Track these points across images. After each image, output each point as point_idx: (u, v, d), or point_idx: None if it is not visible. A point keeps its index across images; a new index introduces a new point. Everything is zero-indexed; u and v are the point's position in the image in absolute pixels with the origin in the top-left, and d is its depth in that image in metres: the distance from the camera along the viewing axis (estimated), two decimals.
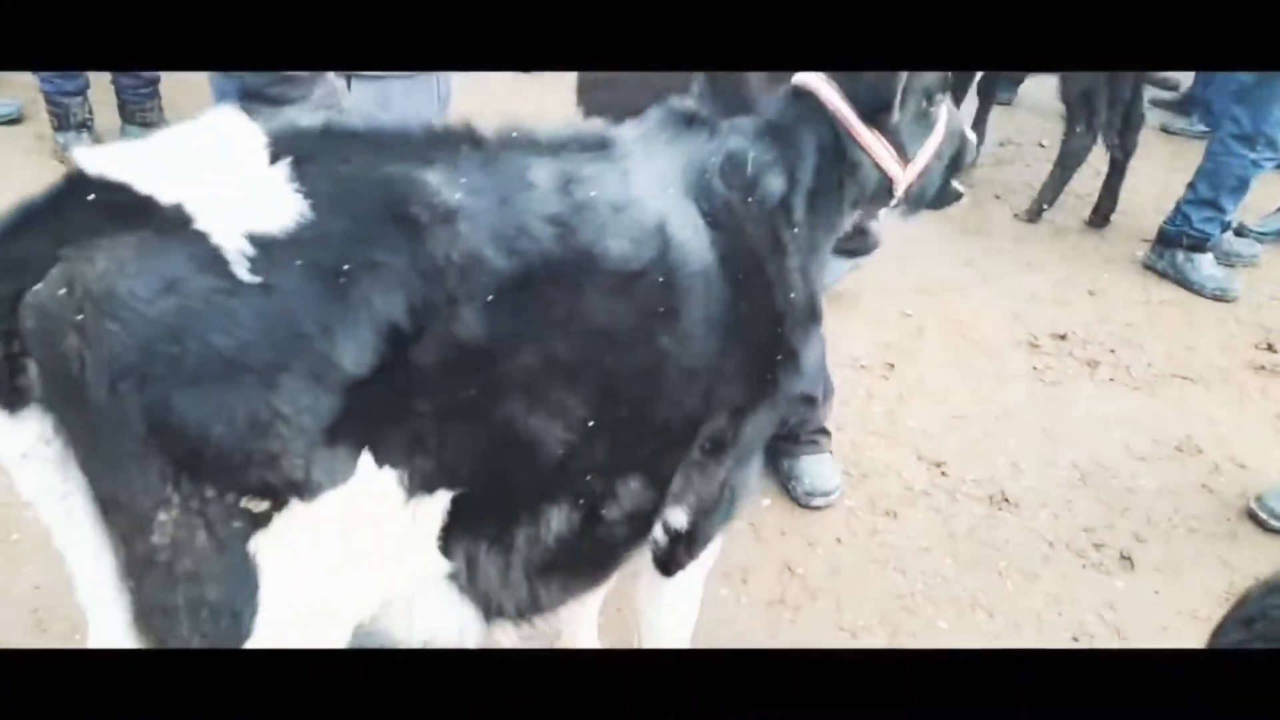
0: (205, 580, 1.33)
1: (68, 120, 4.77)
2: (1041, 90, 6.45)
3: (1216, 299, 4.88)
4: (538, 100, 5.77)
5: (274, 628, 1.40)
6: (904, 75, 1.97)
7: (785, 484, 3.39)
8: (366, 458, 1.37)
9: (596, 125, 1.76)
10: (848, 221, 2.23)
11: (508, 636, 1.75)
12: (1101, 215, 5.43)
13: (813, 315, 2.03)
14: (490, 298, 1.41)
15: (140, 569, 1.32)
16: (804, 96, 2.07)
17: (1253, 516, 3.48)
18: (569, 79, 3.09)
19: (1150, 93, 7.03)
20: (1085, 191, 5.65)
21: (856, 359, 4.18)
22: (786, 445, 3.36)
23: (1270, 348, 4.57)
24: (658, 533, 2.01)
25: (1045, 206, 5.41)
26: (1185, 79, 7.20)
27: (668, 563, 2.12)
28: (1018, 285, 4.86)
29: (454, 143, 1.50)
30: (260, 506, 1.32)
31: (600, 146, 1.70)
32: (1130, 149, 5.20)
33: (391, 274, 1.33)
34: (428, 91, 2.26)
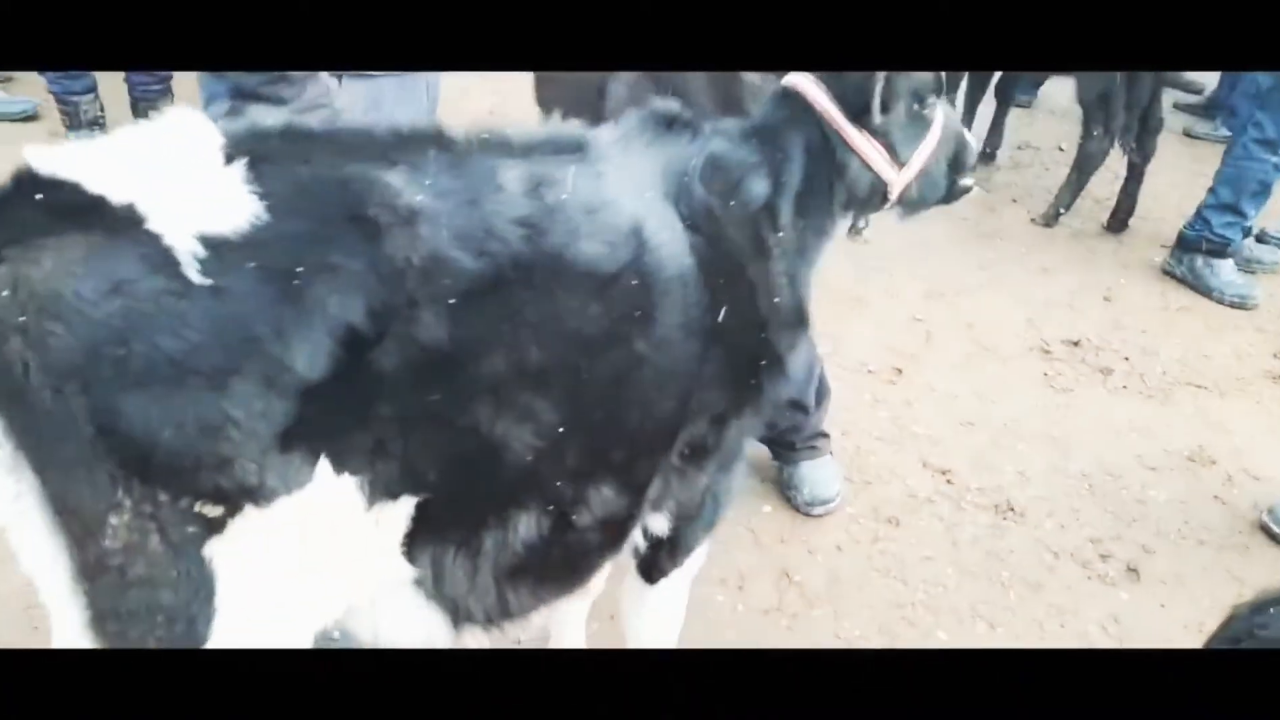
0: (159, 585, 1.32)
1: (78, 119, 4.81)
2: (1061, 93, 6.37)
3: (1236, 306, 4.80)
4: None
5: (230, 633, 1.38)
6: (882, 75, 1.93)
7: (785, 493, 3.35)
8: (324, 463, 1.35)
9: (572, 127, 1.73)
10: (840, 225, 2.20)
11: (478, 641, 1.72)
12: (1119, 220, 5.35)
13: (799, 320, 2.00)
14: (453, 301, 1.39)
15: (93, 572, 1.31)
16: (792, 98, 2.04)
17: (1265, 529, 3.41)
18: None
19: (1174, 96, 6.97)
20: (1104, 196, 5.59)
21: (863, 363, 4.13)
22: (784, 452, 3.32)
23: None
24: (638, 539, 1.99)
25: (1062, 211, 5.34)
26: (1210, 83, 7.09)
27: (651, 570, 2.10)
28: (1031, 290, 4.80)
29: (420, 145, 1.48)
30: (214, 511, 1.30)
31: (575, 149, 1.67)
32: (1148, 153, 5.12)
33: (349, 277, 1.31)
34: (417, 90, 2.25)
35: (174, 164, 1.28)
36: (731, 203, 1.84)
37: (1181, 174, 6.04)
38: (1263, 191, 4.75)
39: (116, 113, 5.09)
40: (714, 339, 1.79)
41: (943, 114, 2.17)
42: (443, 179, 1.45)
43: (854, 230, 2.28)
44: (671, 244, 1.70)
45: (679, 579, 2.14)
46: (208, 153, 1.30)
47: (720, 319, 1.79)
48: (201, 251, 1.22)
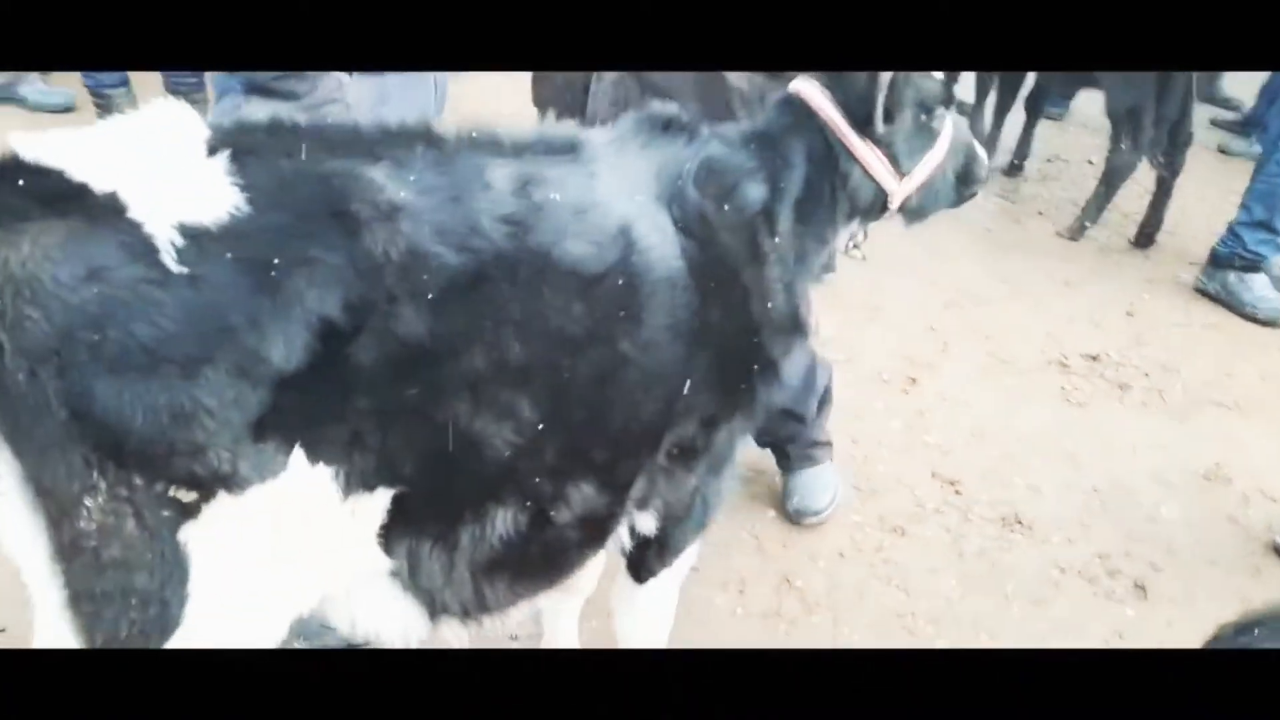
0: (134, 568, 1.34)
1: (111, 112, 4.87)
2: (1093, 106, 6.29)
3: (1269, 323, 4.72)
4: None
5: (205, 618, 1.40)
6: (885, 84, 1.93)
7: (781, 500, 3.33)
8: (299, 454, 1.37)
9: (565, 128, 1.74)
10: (842, 234, 2.19)
11: (456, 634, 1.74)
12: (1146, 235, 5.29)
13: (795, 326, 1.99)
14: (433, 296, 1.40)
15: (70, 553, 1.33)
16: (796, 105, 2.04)
17: (1278, 551, 3.36)
18: None
19: (1210, 113, 6.87)
20: (1133, 210, 5.52)
21: (878, 372, 4.11)
22: (780, 459, 3.30)
23: None
24: (625, 538, 1.99)
25: (1088, 224, 5.28)
26: (1247, 99, 6.99)
27: (640, 569, 2.11)
28: (1053, 303, 4.76)
29: (408, 142, 1.50)
30: (189, 497, 1.33)
31: (568, 149, 1.68)
32: (1177, 168, 5.06)
33: (327, 270, 1.32)
34: (425, 87, 2.27)
35: (158, 155, 1.30)
36: (726, 207, 1.84)
37: (1213, 190, 5.96)
38: None
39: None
40: (703, 342, 1.79)
41: (951, 126, 2.16)
42: (428, 176, 1.47)
43: (852, 246, 2.27)
44: (661, 246, 1.71)
45: (668, 579, 2.15)
46: (191, 144, 1.32)
47: (711, 322, 1.79)
48: (180, 241, 1.25)
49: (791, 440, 3.23)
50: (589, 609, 2.64)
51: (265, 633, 1.50)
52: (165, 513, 1.33)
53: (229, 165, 1.31)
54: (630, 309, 1.63)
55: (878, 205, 2.13)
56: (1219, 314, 4.82)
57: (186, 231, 1.25)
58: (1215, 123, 6.92)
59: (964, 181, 2.27)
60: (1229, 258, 4.81)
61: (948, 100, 2.13)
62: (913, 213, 2.22)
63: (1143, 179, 5.36)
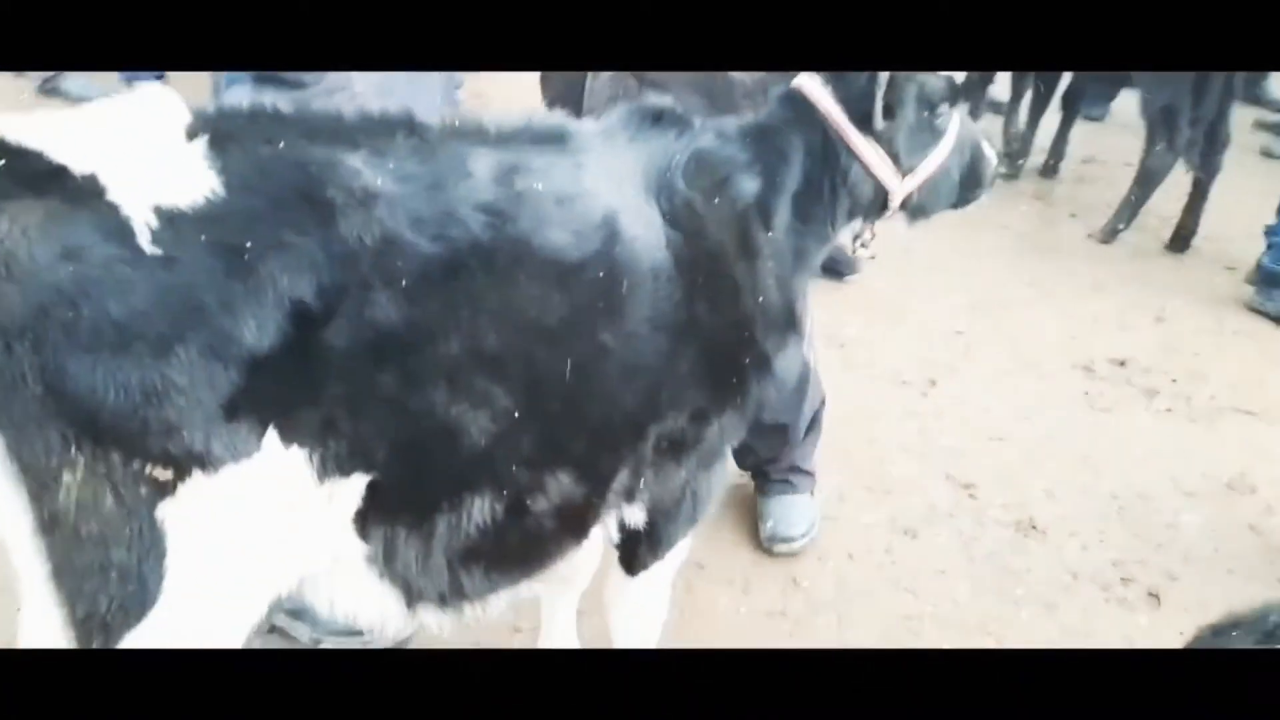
0: (112, 543, 1.37)
1: None
2: (1135, 108, 6.21)
3: None
4: None
5: (182, 596, 1.43)
6: (884, 80, 1.92)
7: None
8: (273, 435, 1.39)
9: (553, 118, 1.76)
10: (844, 231, 2.18)
11: (436, 621, 1.75)
12: (1182, 239, 5.21)
13: (789, 321, 1.99)
14: (407, 283, 1.42)
15: (51, 527, 1.36)
16: (797, 100, 2.04)
17: None
18: None
19: (1255, 114, 6.74)
20: (1170, 214, 5.43)
21: (898, 373, 4.09)
22: (760, 483, 3.19)
23: None
24: (613, 530, 2.00)
25: (1121, 227, 5.22)
26: None
27: (631, 562, 2.11)
28: (1081, 307, 4.70)
29: (389, 130, 1.52)
30: (164, 475, 1.35)
31: (555, 139, 1.70)
32: (1214, 170, 4.98)
33: (301, 254, 1.35)
34: (429, 79, 2.29)
35: (138, 138, 1.33)
36: (716, 200, 1.84)
37: (1254, 195, 5.84)
38: None
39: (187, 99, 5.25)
40: (691, 335, 1.80)
41: (958, 125, 2.14)
42: (408, 164, 1.49)
43: (859, 245, 2.26)
44: (646, 237, 1.72)
45: (661, 572, 2.15)
46: (172, 129, 1.35)
47: (699, 315, 1.80)
48: (156, 223, 1.28)
49: (774, 461, 3.13)
50: (591, 606, 2.65)
51: (243, 612, 1.52)
52: (142, 490, 1.35)
53: (207, 150, 1.34)
54: (611, 299, 1.64)
55: (879, 203, 2.12)
56: (1251, 321, 4.74)
57: (162, 214, 1.28)
58: (1260, 124, 6.79)
59: (970, 181, 2.25)
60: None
61: (953, 98, 2.11)
62: (915, 211, 2.20)
63: (1182, 182, 5.28)
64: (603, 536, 2.08)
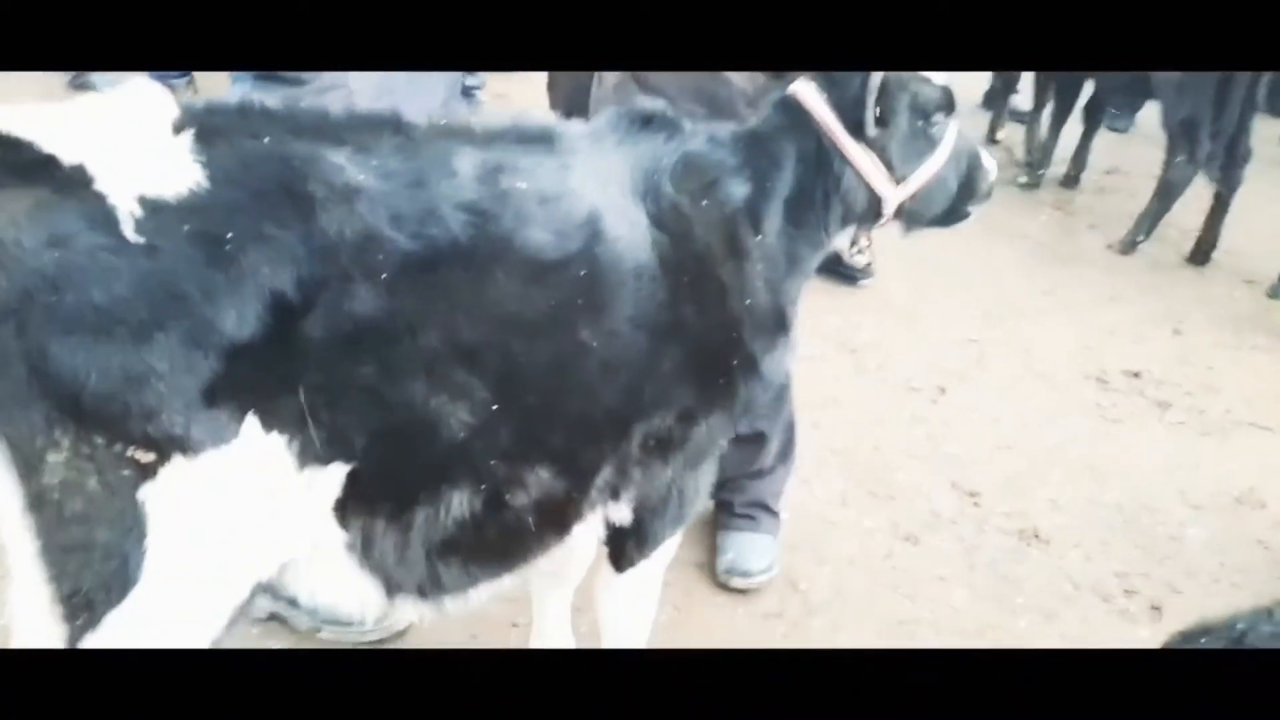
0: (95, 522, 1.41)
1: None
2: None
3: None
4: None
5: (163, 576, 1.47)
6: (875, 88, 1.93)
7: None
8: (252, 421, 1.43)
9: (542, 119, 1.79)
10: (838, 238, 2.19)
11: (417, 612, 1.78)
12: (1202, 252, 5.18)
13: (778, 324, 2.01)
14: (386, 277, 1.46)
15: (37, 505, 1.40)
16: (792, 106, 2.06)
17: None
18: None
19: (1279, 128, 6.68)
20: (1193, 226, 5.40)
21: (908, 380, 4.09)
22: (722, 515, 3.07)
23: None
24: (599, 527, 2.03)
25: (1140, 239, 5.19)
26: None
27: (619, 558, 2.14)
28: (1097, 318, 4.68)
29: (375, 128, 1.55)
30: (146, 458, 1.39)
31: (541, 140, 1.73)
32: (1234, 183, 4.94)
33: (281, 246, 1.38)
34: (432, 77, 2.33)
35: (126, 131, 1.37)
36: (704, 202, 1.87)
37: (1276, 209, 5.81)
38: None
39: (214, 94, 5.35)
40: (675, 335, 1.82)
41: (954, 135, 2.15)
42: (392, 161, 1.52)
43: (855, 251, 2.27)
44: (631, 238, 1.74)
45: (649, 569, 2.18)
46: (159, 123, 1.39)
47: (684, 316, 1.82)
48: (140, 213, 1.31)
49: (739, 491, 3.03)
50: (587, 602, 2.68)
51: (224, 595, 1.56)
52: (125, 471, 1.39)
53: (193, 143, 1.38)
54: (592, 298, 1.66)
55: (873, 210, 2.13)
56: (1269, 335, 4.70)
57: (147, 204, 1.32)
58: None
59: (966, 192, 2.25)
60: None
61: (947, 108, 2.12)
62: (910, 220, 2.21)
63: (1204, 195, 5.24)
64: (595, 533, 2.11)
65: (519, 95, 5.74)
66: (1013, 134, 6.34)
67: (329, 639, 2.61)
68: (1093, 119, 5.76)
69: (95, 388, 1.30)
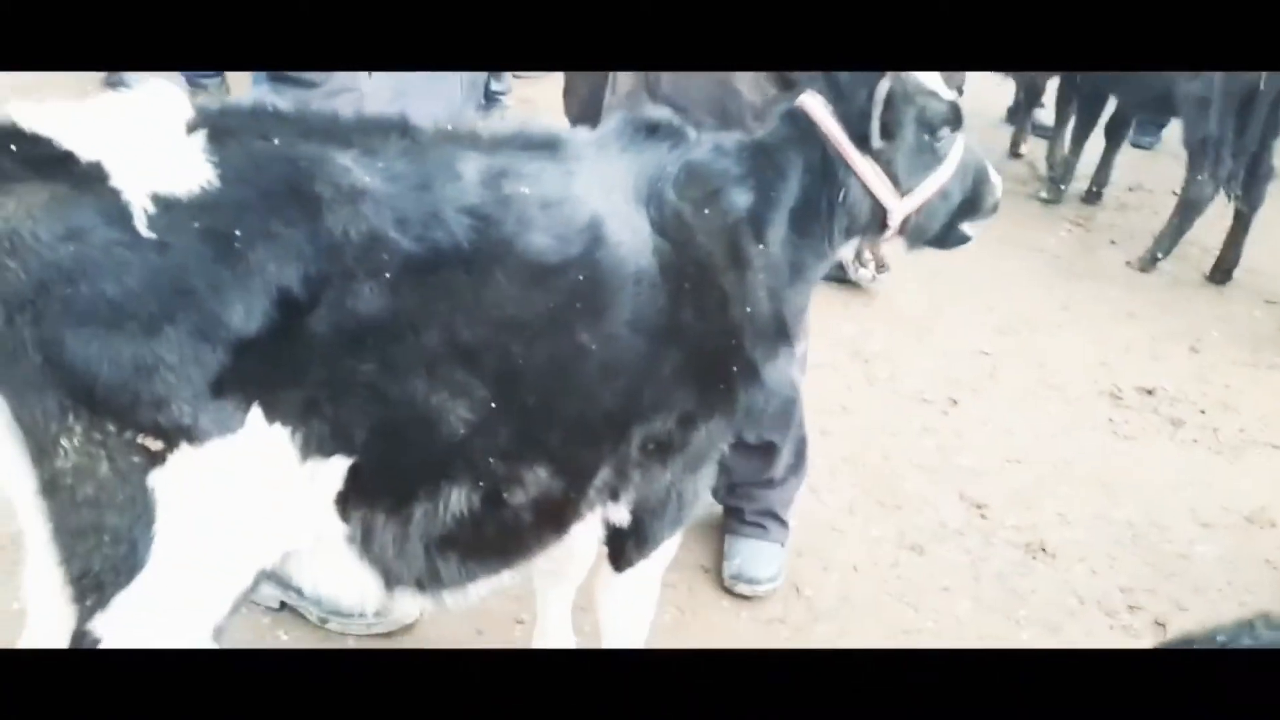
0: (105, 507, 1.47)
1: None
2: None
3: None
4: None
5: (170, 560, 1.52)
6: (880, 100, 1.96)
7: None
8: (257, 413, 1.48)
9: (547, 125, 1.83)
10: (843, 249, 2.22)
11: (417, 605, 1.82)
12: (1223, 270, 5.16)
13: (780, 332, 2.04)
14: (389, 276, 1.50)
15: (50, 489, 1.46)
16: (799, 118, 2.09)
17: None
18: None
19: None
20: (1214, 245, 5.37)
21: (920, 391, 4.10)
22: (731, 520, 3.10)
23: None
24: (598, 526, 2.07)
25: (1160, 256, 5.17)
26: None
27: (619, 558, 2.18)
28: (1113, 334, 4.67)
29: (383, 131, 1.60)
30: (155, 445, 1.45)
31: (546, 146, 1.77)
32: (1255, 202, 4.93)
33: (287, 244, 1.44)
34: (450, 82, 2.38)
35: (142, 130, 1.43)
36: (706, 211, 1.90)
37: None
38: None
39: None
40: (675, 340, 1.86)
41: (960, 149, 2.17)
42: (398, 164, 1.57)
43: (859, 265, 2.29)
44: (632, 244, 1.78)
45: (647, 570, 2.21)
46: (174, 122, 1.45)
47: (684, 322, 1.86)
48: (153, 209, 1.37)
49: (749, 499, 3.06)
50: (590, 601, 2.72)
51: (228, 581, 1.61)
52: (134, 458, 1.45)
53: (206, 143, 1.44)
54: (591, 301, 1.70)
55: (877, 222, 2.15)
56: None
57: (160, 201, 1.38)
58: None
59: (971, 206, 2.26)
60: None
61: (954, 123, 2.14)
62: (915, 234, 2.22)
63: (1227, 213, 5.22)
64: (595, 533, 2.15)
65: (544, 100, 5.79)
66: (1036, 148, 6.33)
67: (337, 630, 2.66)
68: (1115, 135, 5.74)
69: (107, 377, 1.36)
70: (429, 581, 1.77)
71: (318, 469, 1.57)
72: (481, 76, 2.58)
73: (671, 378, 1.88)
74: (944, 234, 2.27)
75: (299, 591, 2.55)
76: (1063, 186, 5.79)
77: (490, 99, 5.30)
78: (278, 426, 1.51)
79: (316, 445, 1.55)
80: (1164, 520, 3.57)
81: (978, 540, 3.39)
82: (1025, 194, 5.91)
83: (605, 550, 2.19)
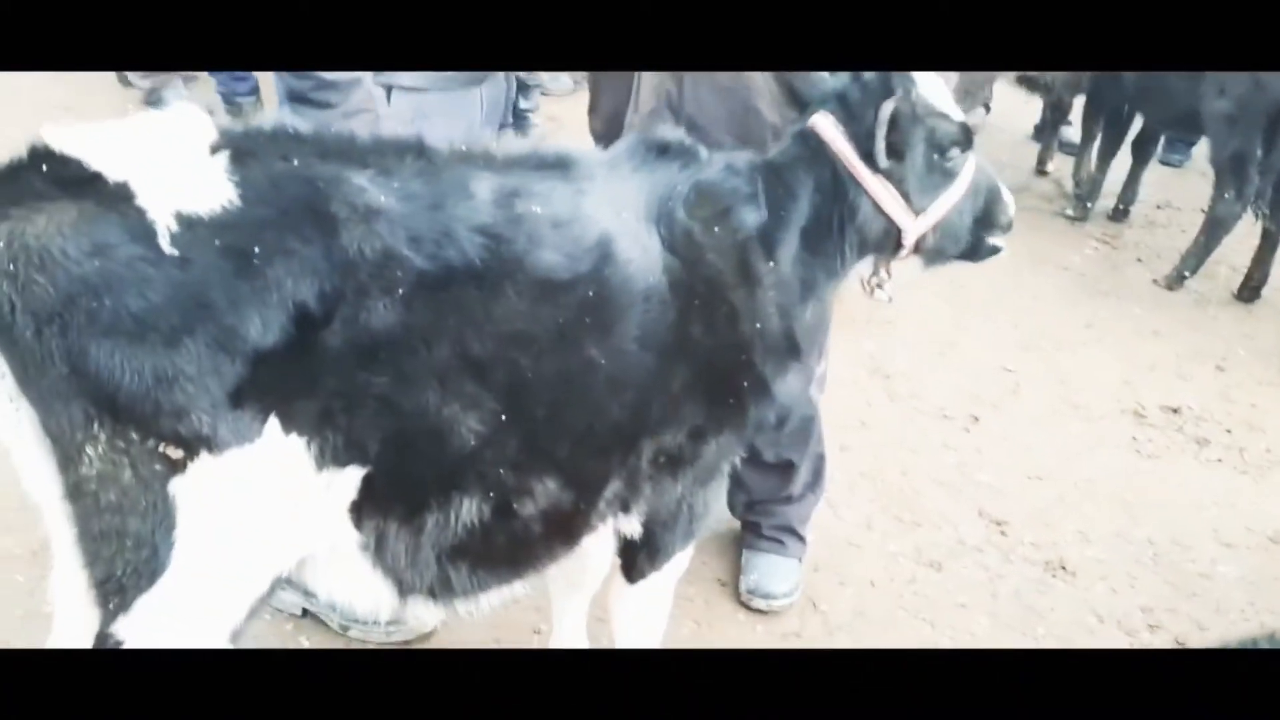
0: (128, 512, 1.52)
1: (241, 118, 5.28)
2: None
3: None
4: None
5: (189, 566, 1.57)
6: (885, 120, 1.99)
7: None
8: (274, 423, 1.53)
9: (560, 145, 1.88)
10: (855, 267, 2.24)
11: (430, 614, 1.87)
12: (1251, 289, 5.12)
13: (790, 349, 2.07)
14: (403, 293, 1.55)
15: (75, 495, 1.52)
16: (810, 138, 2.12)
17: None
18: None
19: None
20: (1242, 263, 5.35)
21: (941, 408, 4.11)
22: (749, 535, 3.13)
23: None
24: (610, 538, 2.10)
25: (1187, 274, 5.14)
26: None
27: (631, 570, 2.21)
28: (1138, 352, 4.66)
29: (399, 152, 1.66)
30: (176, 453, 1.50)
31: (558, 166, 1.82)
32: None
33: (305, 262, 1.49)
34: (468, 105, 2.43)
35: (167, 151, 1.49)
36: (716, 229, 1.94)
37: None
38: None
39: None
40: (685, 355, 1.89)
41: (972, 169, 2.19)
42: (413, 184, 1.62)
43: (876, 286, 2.32)
44: (642, 262, 1.82)
45: (659, 582, 2.25)
46: (198, 144, 1.51)
47: (693, 338, 1.89)
48: (176, 227, 1.43)
49: (767, 515, 3.08)
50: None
51: (246, 587, 1.66)
52: (156, 466, 1.51)
53: (228, 164, 1.50)
54: (600, 317, 1.75)
55: (890, 241, 2.17)
56: None
57: (183, 219, 1.44)
58: None
59: (984, 225, 2.28)
60: None
61: (964, 143, 2.15)
62: (930, 253, 2.24)
63: (1256, 231, 5.20)
64: (609, 545, 2.19)
65: (570, 118, 5.86)
66: (1063, 166, 6.32)
67: (358, 637, 2.72)
68: (1142, 153, 5.73)
69: (129, 387, 1.42)
70: (441, 590, 1.82)
71: (333, 479, 1.62)
72: (503, 97, 2.62)
73: (681, 392, 1.92)
74: (972, 247, 2.28)
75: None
76: (1089, 204, 5.77)
77: (519, 118, 5.36)
78: (294, 437, 1.56)
79: (332, 455, 1.60)
80: (1186, 540, 3.56)
81: (996, 557, 3.39)
82: (1051, 211, 5.91)
83: (619, 562, 2.23)
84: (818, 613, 3.10)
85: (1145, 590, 3.32)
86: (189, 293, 1.42)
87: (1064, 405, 4.25)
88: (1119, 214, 5.81)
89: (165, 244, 1.42)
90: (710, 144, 2.16)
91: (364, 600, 1.80)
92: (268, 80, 5.52)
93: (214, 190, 1.47)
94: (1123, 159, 5.87)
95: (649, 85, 2.47)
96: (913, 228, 2.14)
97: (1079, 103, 6.04)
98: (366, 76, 2.20)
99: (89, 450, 1.48)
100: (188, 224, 1.44)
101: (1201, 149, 6.55)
